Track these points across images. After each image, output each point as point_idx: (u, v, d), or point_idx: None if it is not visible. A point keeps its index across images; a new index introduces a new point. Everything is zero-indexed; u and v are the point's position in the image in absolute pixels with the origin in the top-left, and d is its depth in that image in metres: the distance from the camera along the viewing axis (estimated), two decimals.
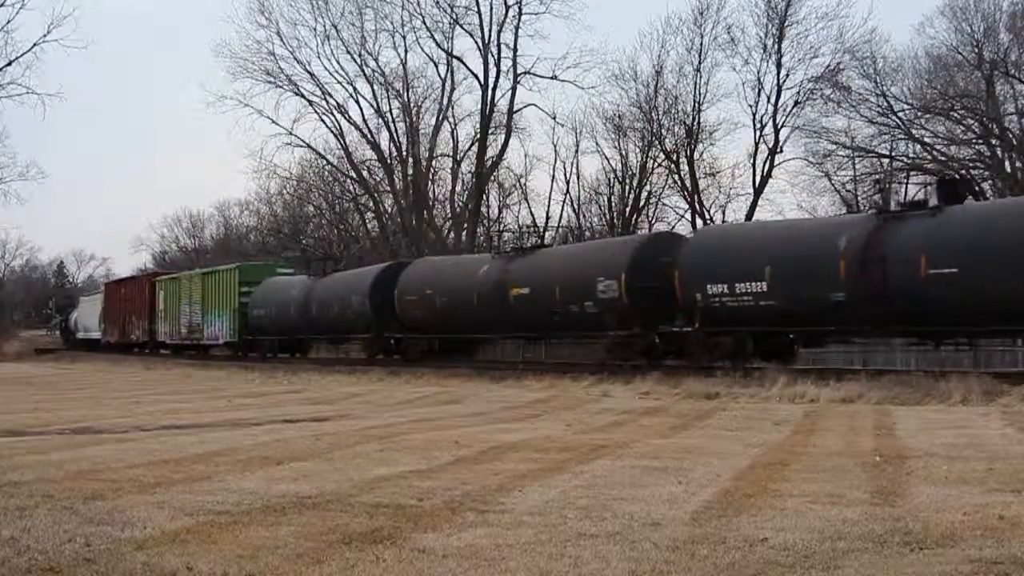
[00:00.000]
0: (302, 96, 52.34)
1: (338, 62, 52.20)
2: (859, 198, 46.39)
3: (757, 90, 45.03)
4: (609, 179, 51.60)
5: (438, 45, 51.04)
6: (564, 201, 54.18)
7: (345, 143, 53.86)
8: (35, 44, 40.51)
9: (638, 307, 22.97)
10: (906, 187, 47.00)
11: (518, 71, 49.61)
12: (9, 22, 41.22)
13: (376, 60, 52.07)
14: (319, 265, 40.68)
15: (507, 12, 48.97)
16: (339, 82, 52.28)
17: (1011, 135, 41.33)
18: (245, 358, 39.11)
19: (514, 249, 28.94)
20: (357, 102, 52.54)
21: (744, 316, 20.97)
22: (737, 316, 21.08)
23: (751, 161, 46.04)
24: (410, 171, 52.66)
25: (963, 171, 42.00)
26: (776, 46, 44.36)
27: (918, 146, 44.00)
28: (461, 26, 49.95)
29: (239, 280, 40.26)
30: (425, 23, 50.36)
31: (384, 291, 31.30)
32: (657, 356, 23.24)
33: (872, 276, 18.75)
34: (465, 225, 52.16)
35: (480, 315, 27.60)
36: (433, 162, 54.06)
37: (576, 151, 53.23)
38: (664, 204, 50.99)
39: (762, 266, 20.61)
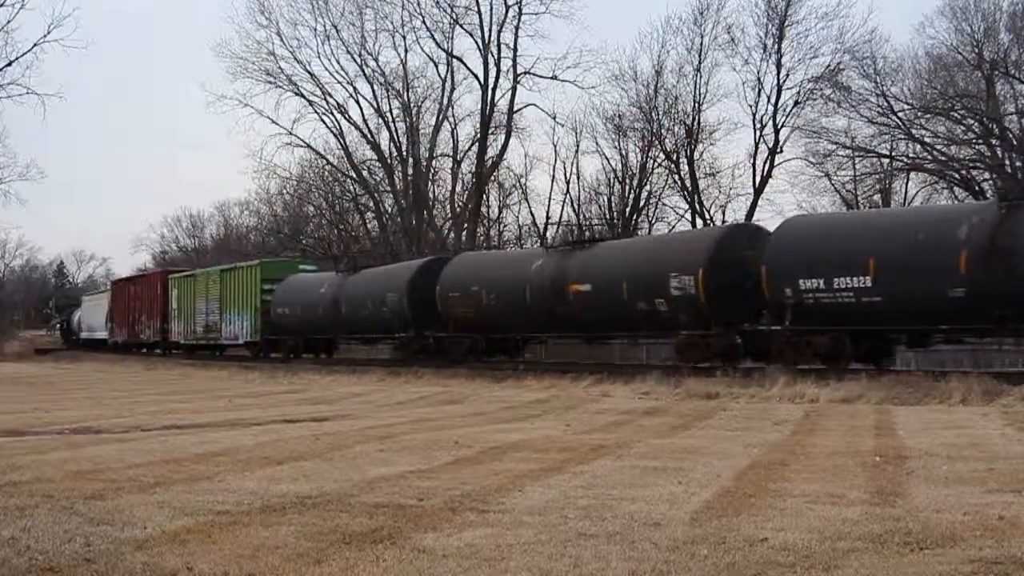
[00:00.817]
0: (302, 96, 52.40)
1: (338, 62, 52.29)
2: (859, 198, 46.41)
3: (757, 90, 45.08)
4: (609, 179, 51.68)
5: (438, 45, 51.10)
6: (564, 201, 54.24)
7: (345, 143, 53.92)
8: (35, 44, 40.53)
9: (717, 304, 21.42)
10: (906, 187, 47.11)
11: (518, 71, 49.67)
12: (9, 22, 41.22)
13: (376, 60, 52.14)
14: (348, 261, 39.17)
15: (507, 12, 49.02)
16: (339, 82, 52.37)
17: (1011, 135, 41.32)
18: (266, 359, 37.78)
19: (570, 243, 26.72)
20: (357, 102, 52.61)
21: (843, 314, 19.36)
22: (834, 314, 19.46)
23: (751, 161, 46.09)
24: (410, 171, 52.67)
25: (963, 171, 42.04)
26: (776, 46, 44.40)
27: (918, 146, 44.01)
28: (461, 26, 50.00)
29: (261, 277, 38.49)
30: (425, 23, 50.42)
31: (424, 288, 29.52)
32: (737, 357, 21.88)
33: (998, 270, 17.18)
34: (465, 225, 52.16)
35: (533, 313, 25.93)
36: (433, 162, 54.11)
37: (576, 151, 53.30)
38: (664, 204, 51.05)
39: (865, 259, 18.93)
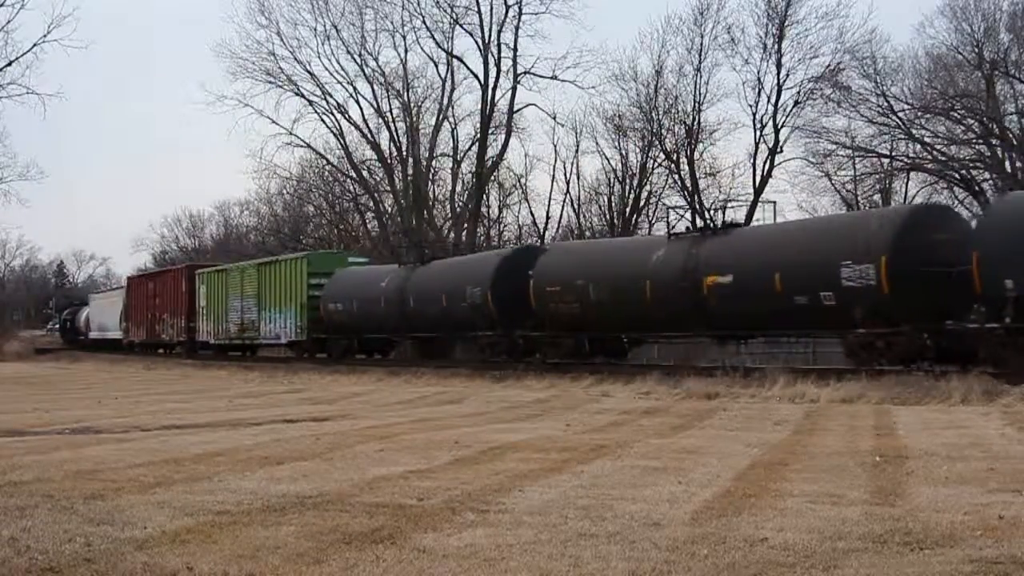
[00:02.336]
0: (302, 96, 52.32)
1: (338, 62, 52.17)
2: (859, 198, 46.40)
3: (757, 90, 45.01)
4: (609, 179, 51.64)
5: (438, 45, 51.05)
6: (564, 201, 54.19)
7: (345, 143, 53.86)
8: (35, 44, 40.55)
9: (904, 297, 18.39)
10: (906, 187, 47.09)
11: (518, 71, 49.61)
12: (9, 22, 41.24)
13: (376, 60, 52.05)
14: (412, 252, 35.58)
15: (507, 12, 48.95)
16: (339, 82, 52.26)
17: (1011, 135, 41.30)
18: (313, 359, 35.09)
19: (699, 229, 23.48)
20: (357, 102, 52.54)
21: None
22: None
23: (751, 161, 46.04)
24: (410, 171, 52.64)
25: (963, 171, 42.04)
26: (776, 46, 44.34)
27: (918, 146, 43.98)
28: (461, 26, 49.94)
29: (307, 271, 35.23)
30: (425, 23, 50.34)
31: (512, 281, 26.33)
32: (927, 359, 18.66)
33: None
34: (465, 225, 52.15)
35: (653, 310, 22.84)
36: (433, 162, 54.04)
37: (576, 151, 53.25)
38: (664, 204, 51.00)
39: None
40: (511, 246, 33.06)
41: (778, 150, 45.33)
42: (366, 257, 40.06)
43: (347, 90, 52.45)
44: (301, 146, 54.25)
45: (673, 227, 25.15)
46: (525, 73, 49.65)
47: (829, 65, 43.79)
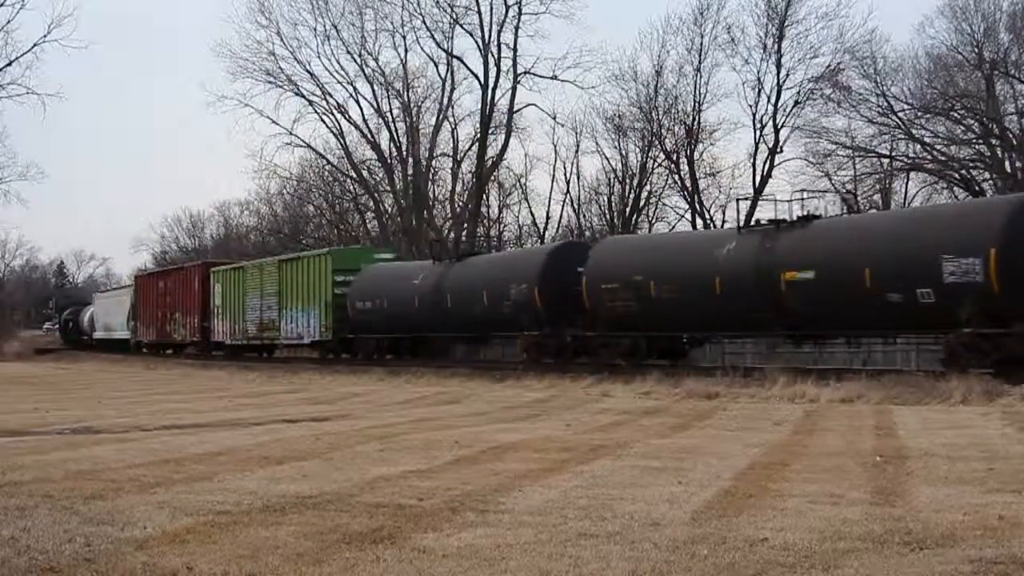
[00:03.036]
0: (302, 96, 52.37)
1: (338, 62, 52.20)
2: (859, 198, 46.39)
3: (757, 90, 45.03)
4: (609, 179, 51.65)
5: (438, 45, 51.08)
6: (564, 201, 54.20)
7: (345, 143, 53.90)
8: (35, 44, 40.61)
9: (1014, 294, 16.87)
10: (906, 187, 47.09)
11: (518, 71, 49.66)
12: (9, 22, 41.28)
13: (376, 60, 52.10)
14: (441, 246, 33.79)
15: (507, 12, 49.00)
16: (339, 82, 52.32)
17: (1011, 135, 41.31)
18: (338, 360, 33.49)
19: (774, 221, 21.64)
20: (357, 102, 52.59)
21: None
22: None
23: (751, 161, 46.05)
24: (410, 171, 52.67)
25: (963, 171, 42.03)
26: (776, 46, 44.36)
27: (918, 146, 43.99)
28: (461, 26, 49.99)
29: (332, 268, 33.54)
30: (425, 23, 50.39)
31: (561, 277, 24.96)
32: None
33: None
34: (465, 225, 52.18)
35: (725, 307, 21.20)
36: (433, 162, 54.09)
37: (576, 151, 53.27)
38: (664, 204, 51.03)
39: None
40: (556, 241, 31.55)
41: (778, 150, 45.37)
42: (392, 252, 38.44)
43: (347, 90, 52.55)
44: (301, 146, 54.34)
45: (749, 219, 24.67)
46: (525, 73, 49.73)
47: (829, 65, 43.84)
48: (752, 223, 23.13)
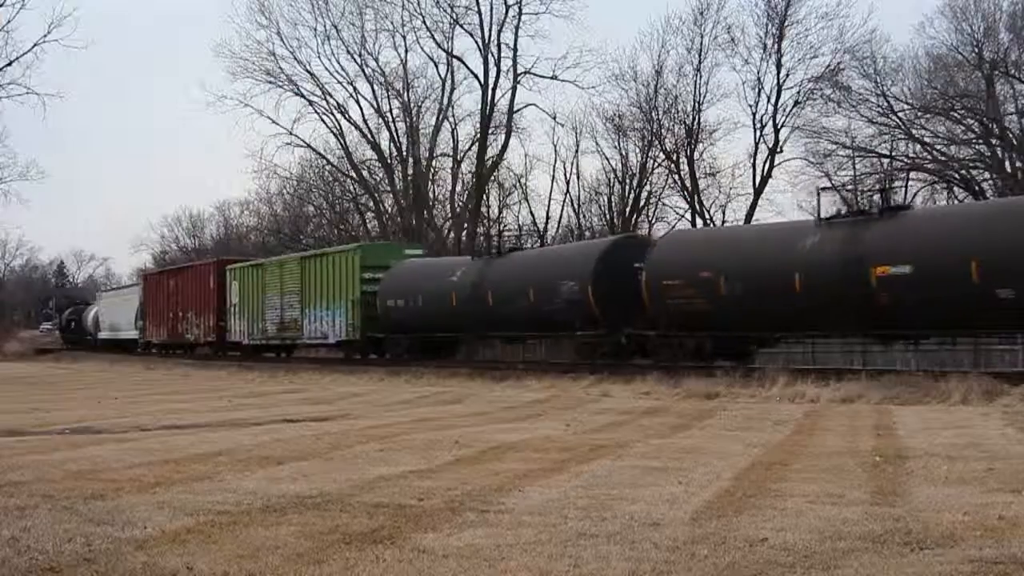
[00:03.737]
0: (302, 96, 52.40)
1: (338, 62, 52.26)
2: (859, 198, 46.36)
3: (757, 90, 45.08)
4: (609, 179, 51.68)
5: (438, 45, 51.11)
6: (564, 201, 54.22)
7: (345, 143, 53.93)
8: (35, 44, 40.48)
9: None
10: (906, 187, 47.08)
11: (518, 71, 49.69)
12: (9, 22, 41.19)
13: (376, 60, 52.13)
14: (476, 242, 32.40)
15: (507, 12, 49.03)
16: (339, 82, 52.37)
17: (1011, 135, 41.32)
18: (364, 361, 31.77)
19: (860, 211, 20.35)
20: (357, 102, 52.62)
21: None
22: None
23: (751, 161, 46.11)
24: (410, 171, 52.68)
25: (963, 171, 42.04)
26: (776, 46, 44.40)
27: (918, 146, 44.03)
28: (461, 26, 50.01)
29: (360, 264, 31.96)
30: (425, 23, 50.42)
31: (616, 274, 23.60)
32: None
33: None
34: (465, 225, 52.19)
35: (808, 305, 19.65)
36: (433, 162, 54.11)
37: (576, 151, 53.28)
38: (664, 204, 51.05)
39: None
40: (609, 236, 30.15)
41: (778, 150, 45.41)
42: (421, 248, 37.28)
43: (347, 90, 52.58)
44: (301, 146, 54.37)
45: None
46: (525, 73, 49.75)
47: (829, 65, 43.87)
48: (835, 214, 21.66)
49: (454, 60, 51.17)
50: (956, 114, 42.28)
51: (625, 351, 24.07)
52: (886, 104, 42.97)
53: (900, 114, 43.22)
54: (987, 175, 42.42)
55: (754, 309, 20.80)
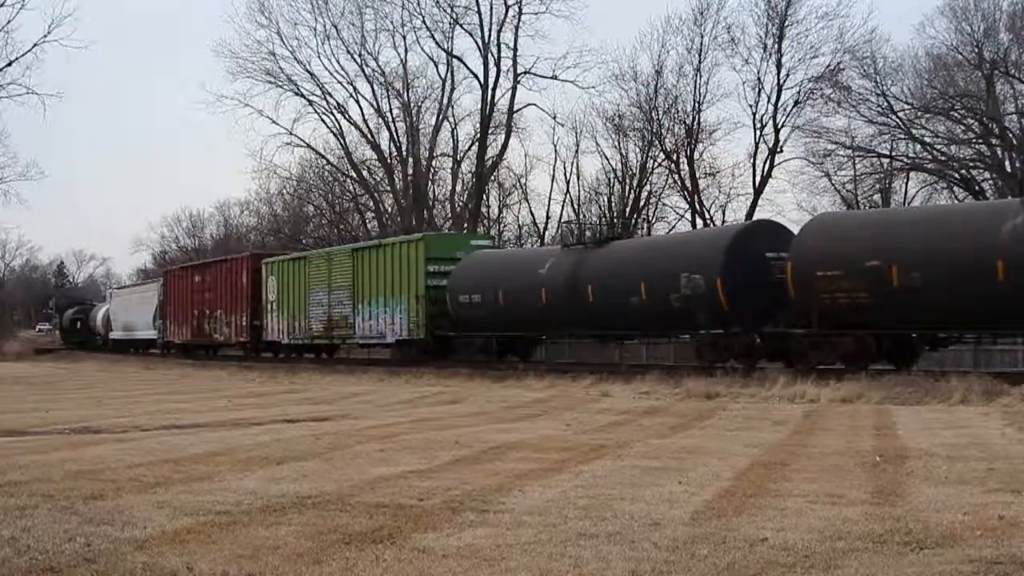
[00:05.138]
0: (302, 96, 52.38)
1: (338, 62, 52.21)
2: (859, 198, 46.41)
3: (757, 90, 45.04)
4: (609, 179, 51.71)
5: (438, 45, 51.09)
6: (564, 201, 54.24)
7: (345, 143, 53.92)
8: (35, 44, 40.56)
9: None
10: (906, 187, 47.12)
11: (518, 71, 49.68)
12: (9, 22, 41.23)
13: (376, 60, 52.11)
14: (567, 230, 29.34)
15: (507, 12, 49.02)
16: (339, 82, 52.33)
17: (1011, 135, 41.32)
18: (425, 363, 28.67)
19: None
20: (357, 102, 52.60)
21: None
22: None
23: (751, 161, 46.08)
24: (410, 171, 52.68)
25: (963, 171, 42.04)
26: (776, 46, 44.36)
27: (918, 146, 44.03)
28: (461, 26, 50.00)
29: (425, 255, 29.13)
30: (425, 23, 50.40)
31: (749, 265, 20.91)
32: None
33: None
34: (465, 225, 52.21)
35: (1011, 297, 17.09)
36: (433, 162, 54.11)
37: (576, 151, 53.31)
38: (664, 204, 51.05)
39: None
40: (739, 222, 27.62)
41: (778, 150, 45.39)
42: (489, 240, 35.14)
43: (347, 90, 52.55)
44: (301, 146, 54.35)
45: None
46: (525, 73, 49.74)
47: (829, 65, 43.84)
48: None
49: (454, 60, 51.20)
50: (956, 114, 42.29)
51: (759, 352, 21.64)
52: (886, 104, 42.98)
53: (900, 114, 43.23)
54: (987, 175, 42.43)
55: (935, 302, 18.10)
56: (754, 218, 44.05)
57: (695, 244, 23.44)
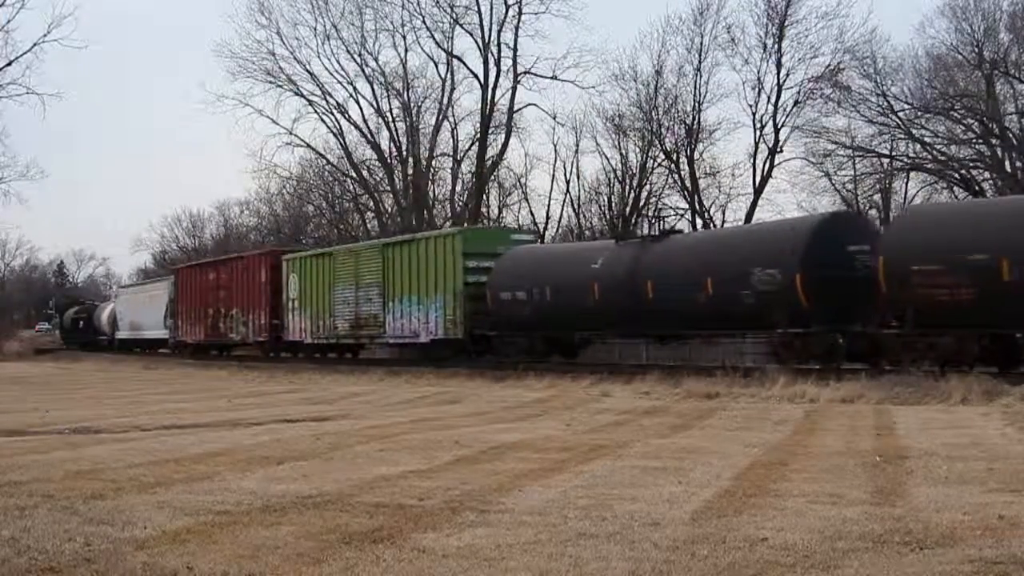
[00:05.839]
0: (302, 96, 52.34)
1: (338, 62, 52.20)
2: (859, 198, 46.42)
3: (757, 90, 45.02)
4: (609, 179, 51.66)
5: (438, 45, 51.07)
6: (564, 201, 54.22)
7: (345, 143, 53.90)
8: (35, 44, 40.55)
9: None
10: (906, 187, 47.12)
11: (518, 71, 49.64)
12: (9, 22, 41.34)
13: (376, 60, 52.09)
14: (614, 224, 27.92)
15: (507, 12, 48.97)
16: (339, 82, 52.31)
17: (1011, 135, 41.32)
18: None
19: None
20: (357, 102, 52.58)
21: None
22: None
23: (751, 161, 46.06)
24: (410, 171, 52.67)
25: (963, 171, 42.05)
26: (776, 46, 44.34)
27: (918, 146, 44.01)
28: (461, 26, 49.96)
29: (462, 250, 27.65)
30: (425, 23, 50.37)
31: (829, 259, 19.48)
32: None
33: None
34: (465, 225, 52.23)
35: None
36: (433, 162, 54.09)
37: (576, 151, 53.26)
38: (664, 204, 51.03)
39: None
40: (819, 212, 25.51)
41: (778, 150, 45.36)
42: (531, 234, 33.70)
43: (347, 90, 52.54)
44: (301, 146, 54.32)
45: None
46: (525, 73, 49.71)
47: (829, 65, 43.81)
48: None
49: (454, 60, 51.17)
50: (956, 114, 42.28)
51: (841, 352, 19.99)
52: (886, 104, 42.96)
53: (900, 114, 43.22)
54: (987, 175, 42.43)
55: None
56: (755, 218, 44.14)
57: (769, 236, 21.64)
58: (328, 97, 52.40)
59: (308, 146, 54.71)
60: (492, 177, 53.20)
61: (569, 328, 25.59)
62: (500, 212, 56.93)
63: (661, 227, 25.44)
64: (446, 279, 27.99)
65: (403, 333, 29.94)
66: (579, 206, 53.59)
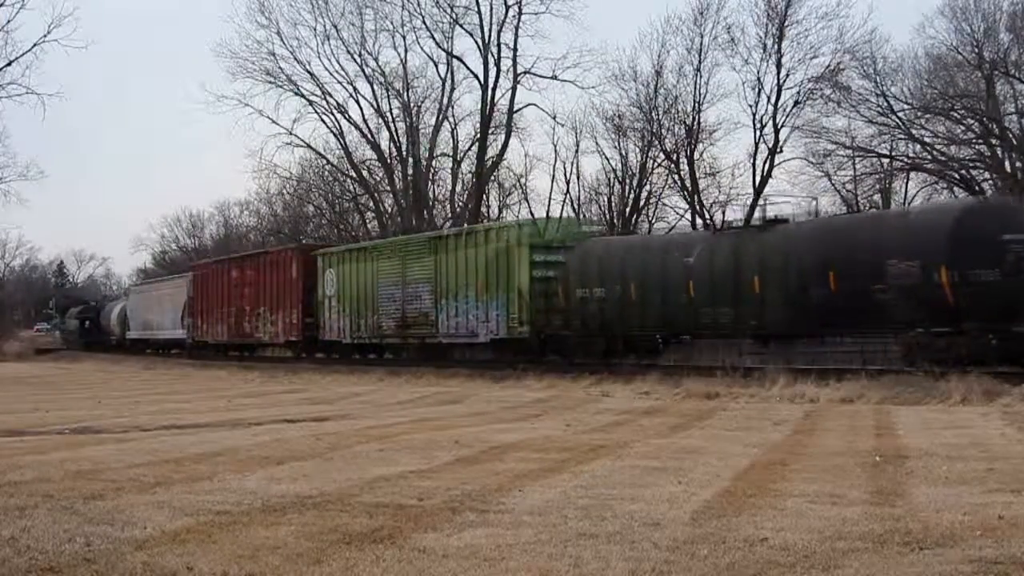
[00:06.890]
0: (302, 96, 52.27)
1: (338, 62, 52.13)
2: (859, 198, 46.42)
3: (757, 90, 44.89)
4: (609, 179, 51.55)
5: (438, 45, 51.03)
6: (564, 201, 54.12)
7: (345, 143, 53.84)
8: (35, 44, 40.31)
9: None
10: (906, 187, 47.10)
11: (518, 71, 49.57)
12: (9, 22, 41.02)
13: (376, 60, 52.03)
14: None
15: (507, 12, 48.91)
16: (339, 82, 52.22)
17: (1011, 135, 41.31)
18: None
19: None
20: (357, 102, 52.53)
21: None
22: None
23: (751, 161, 45.99)
24: (410, 171, 52.66)
25: (963, 171, 42.04)
26: (776, 46, 44.23)
27: (918, 146, 43.97)
28: (461, 26, 49.91)
29: (529, 244, 25.74)
30: (425, 23, 50.32)
31: (981, 250, 17.33)
32: None
33: None
34: (465, 225, 52.23)
35: None
36: (433, 162, 54.05)
37: (576, 151, 53.04)
38: (664, 204, 51.02)
39: None
40: (960, 199, 22.81)
41: (778, 150, 45.25)
42: (601, 226, 30.69)
43: (347, 90, 52.46)
44: (301, 146, 54.24)
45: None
46: (525, 73, 49.65)
47: (829, 65, 43.70)
48: None
49: (454, 60, 51.12)
50: (956, 114, 42.25)
51: (993, 355, 17.45)
52: (886, 104, 42.91)
53: (900, 114, 43.17)
54: (987, 175, 42.41)
55: None
56: (755, 219, 44.11)
57: (905, 225, 19.30)
58: (328, 97, 52.39)
59: (308, 146, 54.69)
60: (492, 177, 53.17)
61: (658, 328, 23.67)
62: (500, 212, 56.95)
63: (764, 216, 22.82)
64: (510, 274, 26.06)
65: (459, 332, 27.94)
66: (579, 206, 53.55)
